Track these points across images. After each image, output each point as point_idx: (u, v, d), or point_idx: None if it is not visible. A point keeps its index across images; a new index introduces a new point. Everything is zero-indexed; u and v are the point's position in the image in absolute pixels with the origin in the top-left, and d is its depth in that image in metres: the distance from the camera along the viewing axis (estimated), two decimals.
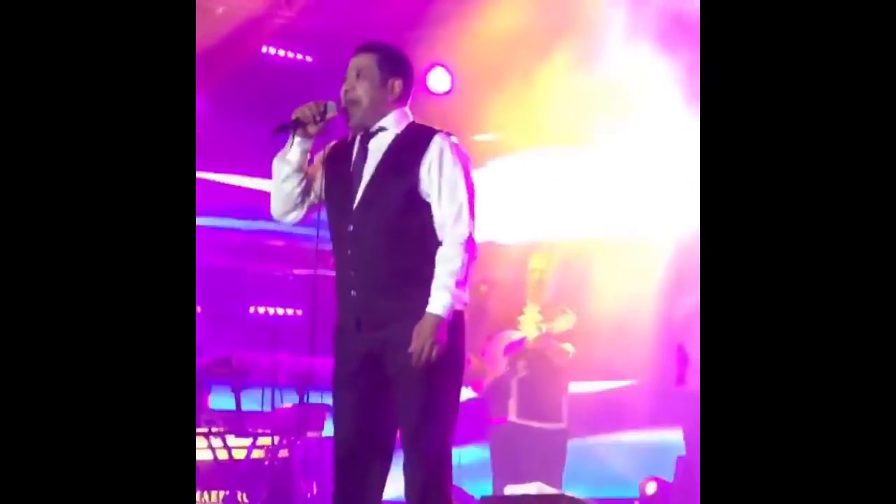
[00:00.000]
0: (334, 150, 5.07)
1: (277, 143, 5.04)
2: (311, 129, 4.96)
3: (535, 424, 8.27)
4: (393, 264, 4.83)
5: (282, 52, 10.89)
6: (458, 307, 4.80)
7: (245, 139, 9.33)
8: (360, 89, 4.96)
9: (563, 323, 8.18)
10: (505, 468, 8.28)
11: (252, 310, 11.06)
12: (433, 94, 9.95)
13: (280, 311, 11.22)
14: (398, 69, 5.05)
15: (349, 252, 4.89)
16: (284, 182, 5.01)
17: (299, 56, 10.98)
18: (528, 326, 8.36)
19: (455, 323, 4.80)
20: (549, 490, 6.38)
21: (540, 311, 8.42)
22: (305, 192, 5.04)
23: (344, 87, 4.99)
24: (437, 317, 4.75)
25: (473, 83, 9.78)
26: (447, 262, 4.80)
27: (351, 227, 4.88)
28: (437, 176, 4.85)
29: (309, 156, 5.04)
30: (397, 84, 5.02)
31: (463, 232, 4.84)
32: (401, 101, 5.04)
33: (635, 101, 9.31)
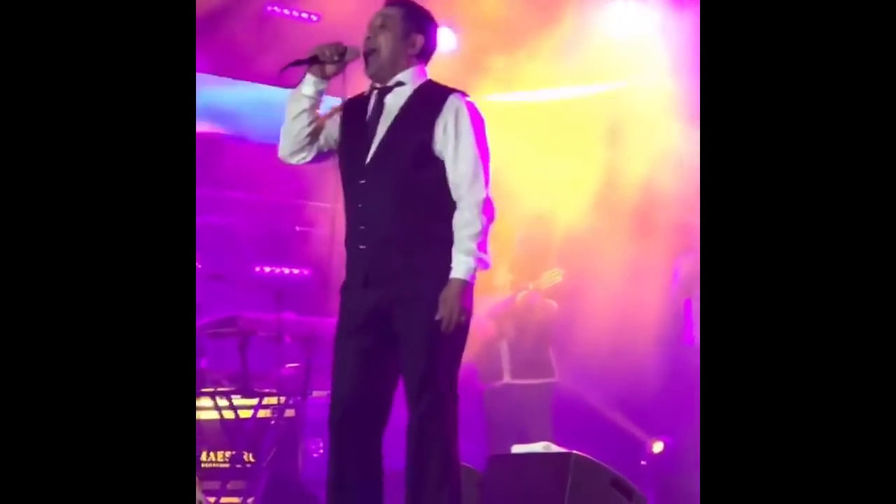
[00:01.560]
0: (351, 105, 5.08)
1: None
2: (329, 69, 4.96)
3: (532, 381, 8.28)
4: (403, 220, 4.83)
5: (287, 11, 10.84)
6: (481, 269, 4.80)
7: (248, 100, 9.30)
8: (381, 38, 4.98)
9: (550, 278, 8.18)
10: (502, 430, 8.28)
11: (257, 269, 11.05)
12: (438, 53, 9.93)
13: (286, 270, 11.21)
14: (422, 25, 5.07)
15: (360, 206, 4.89)
16: (295, 120, 5.00)
17: (304, 14, 10.92)
18: (503, 286, 8.37)
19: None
20: (556, 449, 6.37)
21: (510, 271, 8.42)
22: (314, 134, 5.04)
23: (366, 35, 4.99)
24: (463, 282, 4.78)
25: (478, 43, 9.74)
26: (468, 226, 4.82)
27: (363, 181, 4.89)
28: (452, 136, 4.85)
29: (322, 98, 5.02)
30: (419, 39, 5.03)
31: (480, 194, 4.85)
32: (421, 57, 5.06)
33: (639, 61, 9.26)
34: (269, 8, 10.58)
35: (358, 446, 4.85)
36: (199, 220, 10.67)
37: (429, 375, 4.78)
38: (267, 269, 11.13)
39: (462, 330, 4.84)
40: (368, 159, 4.89)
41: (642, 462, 9.51)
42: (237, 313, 9.03)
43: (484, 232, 4.83)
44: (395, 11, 5.04)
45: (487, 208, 4.87)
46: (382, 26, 5.00)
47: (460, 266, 4.79)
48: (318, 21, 10.42)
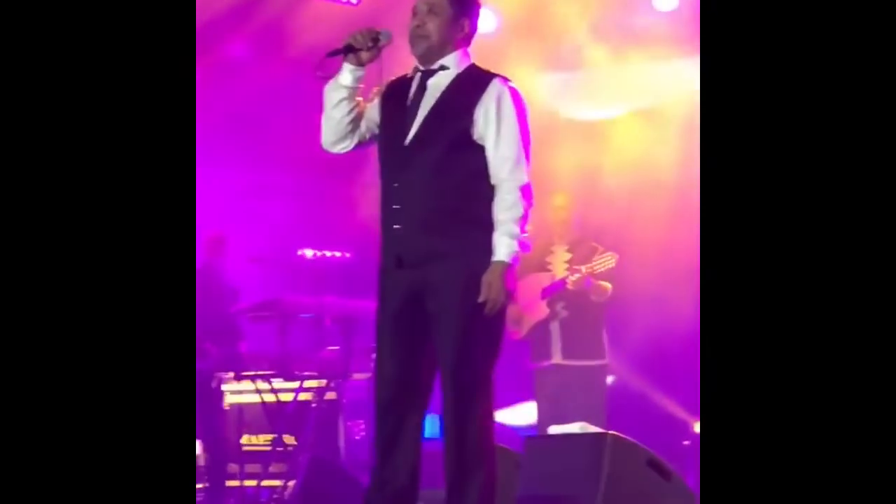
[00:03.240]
0: (392, 87, 5.08)
1: (322, 82, 5.04)
2: (364, 55, 4.96)
3: (580, 363, 8.27)
4: (437, 202, 4.84)
5: None
6: (522, 252, 4.83)
7: (289, 84, 9.31)
8: (430, 25, 4.96)
9: (605, 263, 8.15)
10: (550, 410, 8.28)
11: (298, 252, 11.08)
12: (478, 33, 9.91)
13: (326, 253, 11.23)
14: (468, 9, 5.05)
15: (396, 185, 4.89)
16: (335, 109, 5.01)
17: None
18: (559, 266, 8.36)
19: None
20: (592, 429, 6.37)
21: (568, 250, 8.41)
22: (355, 121, 5.04)
23: (414, 22, 4.98)
24: (505, 264, 4.78)
25: (518, 23, 9.73)
26: (510, 209, 4.82)
27: (401, 162, 4.90)
28: (494, 120, 4.85)
29: (362, 85, 5.04)
30: (466, 23, 5.02)
31: (522, 178, 4.86)
32: (466, 41, 5.05)
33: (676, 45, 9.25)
34: None
35: (402, 426, 4.87)
36: (240, 204, 10.75)
37: (463, 358, 4.78)
38: (308, 253, 11.16)
39: (499, 313, 4.84)
40: (408, 140, 4.90)
41: (685, 442, 9.50)
42: (278, 296, 9.07)
43: (525, 216, 4.84)
44: None
45: (528, 193, 4.87)
46: (430, 11, 4.98)
47: (503, 248, 4.80)
48: (357, 4, 10.41)
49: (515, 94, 4.93)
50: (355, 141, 5.07)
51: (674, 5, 9.68)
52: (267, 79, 10.12)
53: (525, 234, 4.84)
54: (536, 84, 9.36)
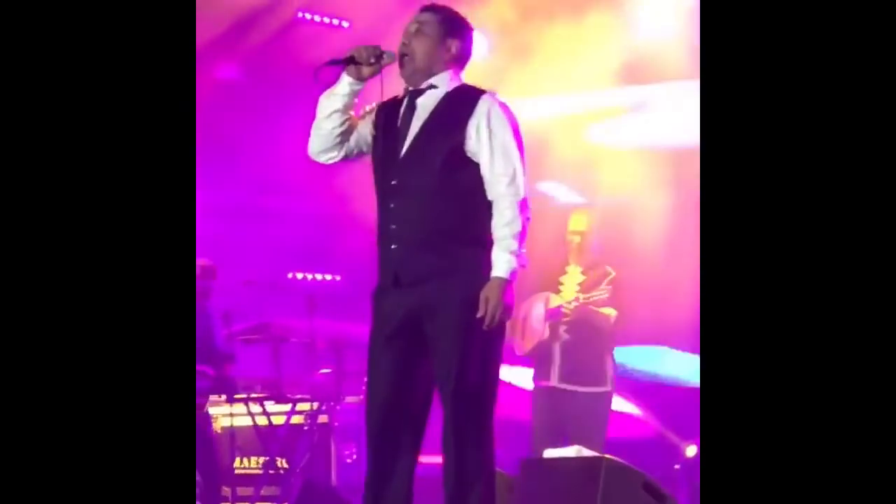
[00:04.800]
0: (385, 107, 5.07)
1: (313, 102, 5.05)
2: (365, 71, 4.96)
3: (579, 389, 8.22)
4: (433, 220, 4.83)
5: (317, 18, 10.87)
6: (520, 268, 4.82)
7: (282, 104, 9.31)
8: (416, 45, 4.96)
9: (600, 294, 8.09)
10: (545, 432, 8.24)
11: (290, 275, 11.08)
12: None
13: (318, 276, 11.24)
14: (457, 31, 5.04)
15: (392, 206, 4.89)
16: (327, 119, 5.01)
17: (335, 21, 10.96)
18: (569, 288, 8.31)
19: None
20: (587, 453, 6.35)
21: (583, 272, 8.36)
22: (345, 134, 5.03)
23: (402, 41, 4.99)
24: (504, 280, 4.75)
25: (509, 48, 9.74)
26: (508, 225, 4.80)
27: (395, 182, 4.89)
28: (486, 136, 4.84)
29: (356, 100, 5.05)
30: (455, 45, 5.01)
31: (519, 192, 4.84)
32: (456, 62, 5.03)
33: (670, 65, 9.26)
34: (300, 14, 10.62)
35: (395, 452, 4.84)
36: (233, 227, 10.74)
37: (463, 375, 4.76)
38: (299, 276, 11.17)
39: (498, 331, 4.83)
40: (400, 159, 4.90)
41: (675, 466, 9.48)
42: (270, 320, 9.06)
43: (523, 231, 4.82)
44: (430, 17, 5.03)
45: (525, 207, 4.86)
46: (418, 31, 4.99)
47: (502, 264, 4.77)
48: (348, 27, 10.44)
49: (505, 109, 4.93)
50: (342, 154, 5.06)
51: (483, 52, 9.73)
52: (260, 101, 10.13)
53: (523, 250, 4.83)
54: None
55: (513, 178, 4.84)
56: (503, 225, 4.80)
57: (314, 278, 11.17)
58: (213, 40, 9.42)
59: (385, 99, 5.09)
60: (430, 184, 4.82)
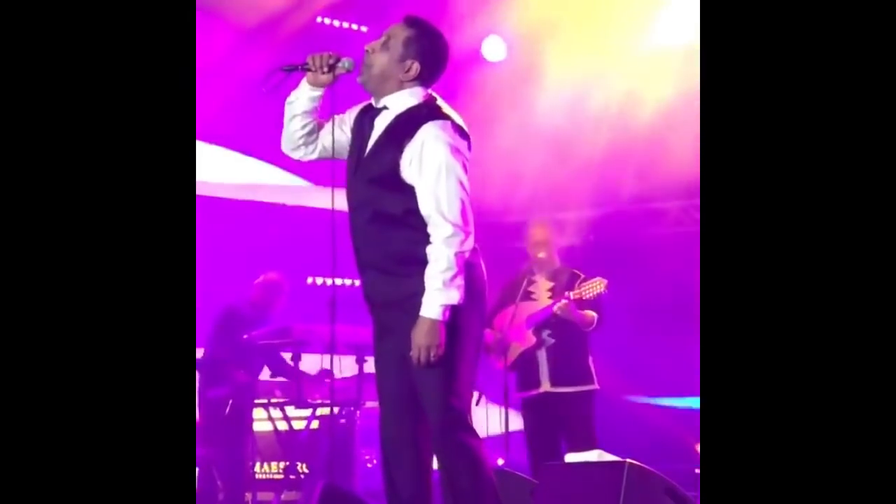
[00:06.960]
0: (360, 115, 5.02)
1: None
2: (322, 77, 4.92)
3: (570, 389, 8.23)
4: (382, 245, 4.80)
5: (336, 23, 10.89)
6: (454, 303, 4.69)
7: None
8: (376, 57, 4.89)
9: (592, 288, 8.11)
10: (540, 439, 8.25)
11: (310, 280, 11.09)
12: (489, 63, 9.91)
13: (338, 280, 11.24)
14: (422, 53, 4.88)
15: (352, 226, 4.91)
16: (290, 121, 5.02)
17: (354, 26, 10.98)
18: (542, 295, 8.32)
19: (456, 311, 4.71)
20: (609, 457, 6.33)
21: (549, 278, 8.38)
22: (309, 135, 5.02)
23: (366, 49, 4.94)
24: (432, 321, 4.68)
25: (528, 51, 9.73)
26: (435, 262, 4.69)
27: (353, 202, 4.91)
28: (416, 168, 4.74)
29: (318, 103, 5.00)
30: (414, 66, 4.87)
31: (446, 228, 4.70)
32: (416, 82, 4.89)
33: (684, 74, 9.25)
34: (320, 19, 10.65)
35: (409, 460, 4.85)
36: (252, 230, 10.75)
37: (428, 397, 4.75)
38: (319, 280, 11.18)
39: (454, 345, 4.73)
40: (354, 179, 4.91)
41: (696, 470, 9.46)
42: (290, 324, 9.07)
43: (453, 266, 4.68)
44: (400, 32, 4.90)
45: (456, 240, 4.71)
46: (383, 45, 4.90)
47: (428, 305, 4.68)
48: (367, 32, 10.46)
49: (447, 136, 4.77)
50: (314, 153, 5.06)
51: (502, 56, 9.75)
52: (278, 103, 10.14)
53: (455, 287, 4.68)
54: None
55: (439, 212, 4.70)
56: (431, 261, 4.69)
57: (333, 282, 11.16)
58: (227, 44, 9.43)
59: (361, 105, 5.04)
60: (377, 209, 4.79)
